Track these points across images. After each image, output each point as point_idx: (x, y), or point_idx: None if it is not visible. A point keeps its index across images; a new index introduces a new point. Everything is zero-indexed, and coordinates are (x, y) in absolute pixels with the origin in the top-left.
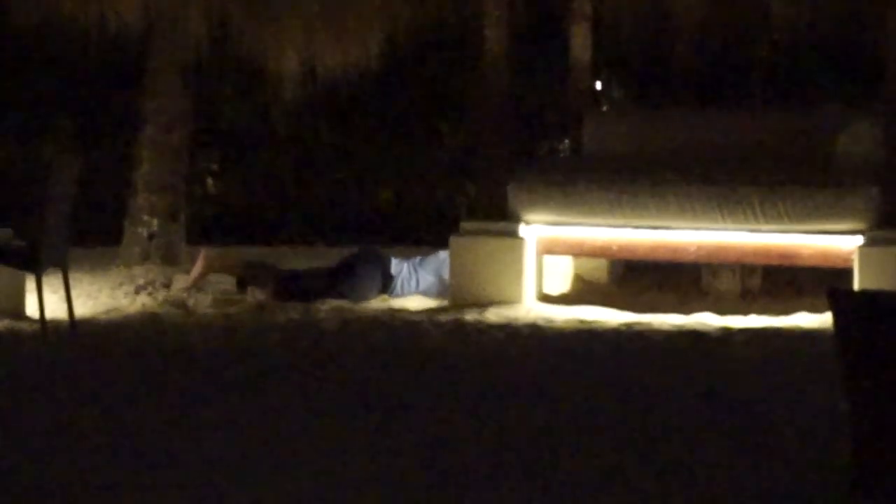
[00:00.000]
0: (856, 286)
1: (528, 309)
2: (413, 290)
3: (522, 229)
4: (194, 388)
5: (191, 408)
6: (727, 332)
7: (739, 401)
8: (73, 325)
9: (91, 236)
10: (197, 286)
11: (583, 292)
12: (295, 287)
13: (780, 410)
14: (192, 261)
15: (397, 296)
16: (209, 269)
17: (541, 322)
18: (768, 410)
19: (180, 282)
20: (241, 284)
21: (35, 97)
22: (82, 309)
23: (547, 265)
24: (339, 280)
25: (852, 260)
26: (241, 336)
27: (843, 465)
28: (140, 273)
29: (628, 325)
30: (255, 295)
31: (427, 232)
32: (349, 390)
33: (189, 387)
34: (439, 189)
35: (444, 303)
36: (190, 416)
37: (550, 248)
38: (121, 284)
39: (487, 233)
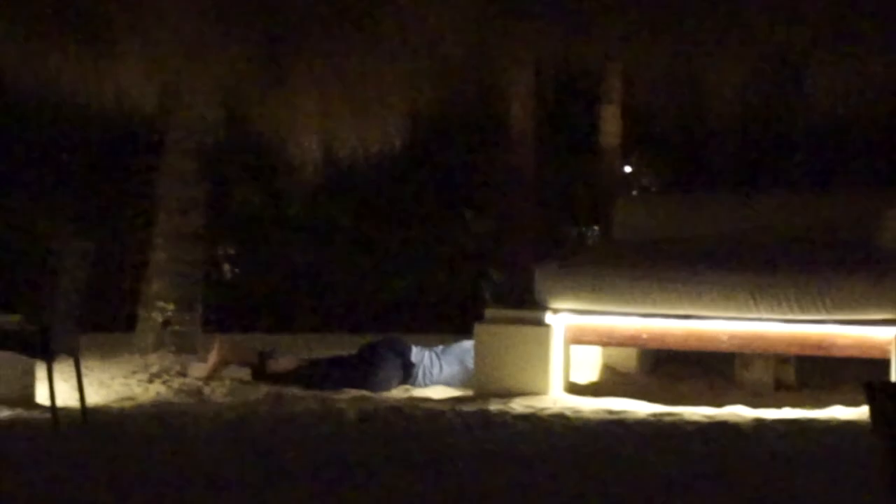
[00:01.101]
0: (894, 378)
1: (555, 399)
2: (435, 379)
3: (549, 317)
4: (208, 484)
5: None
6: (760, 425)
7: (775, 499)
8: (85, 415)
9: (103, 323)
10: (214, 377)
11: (612, 382)
12: (313, 376)
13: None
14: (207, 348)
15: (419, 385)
16: (224, 360)
17: (568, 413)
18: None
19: (196, 370)
20: (257, 375)
21: (47, 179)
22: (95, 397)
23: (575, 354)
24: (359, 369)
25: (890, 350)
26: (258, 428)
27: None
28: (154, 361)
29: (658, 417)
30: (267, 382)
31: (450, 320)
32: (366, 487)
33: (203, 483)
34: (463, 275)
35: (468, 392)
36: None
37: (578, 337)
38: (134, 372)
39: (513, 321)
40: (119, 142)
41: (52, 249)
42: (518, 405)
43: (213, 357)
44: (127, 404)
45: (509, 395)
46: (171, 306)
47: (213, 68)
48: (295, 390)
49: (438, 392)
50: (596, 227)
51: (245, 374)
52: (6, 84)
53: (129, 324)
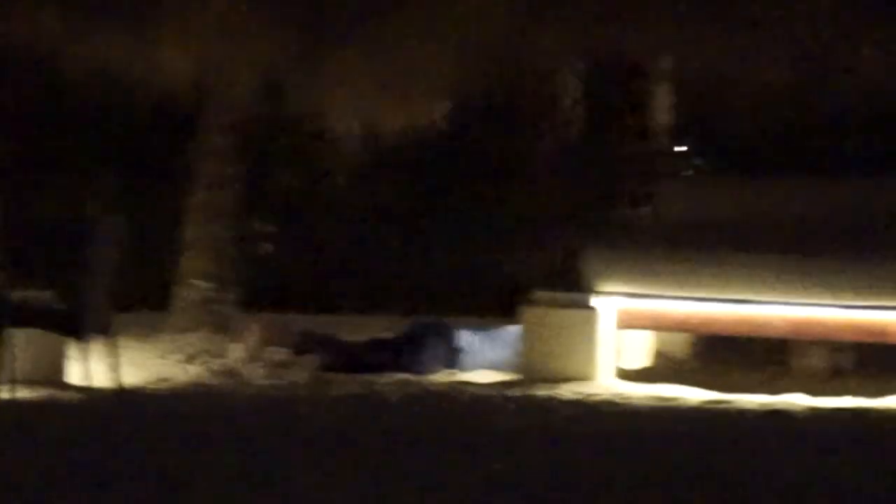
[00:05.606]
0: None
1: (604, 385)
2: (480, 363)
3: (595, 300)
4: (251, 468)
5: (248, 490)
6: (817, 414)
7: (834, 495)
8: (121, 396)
9: (137, 300)
10: (254, 359)
11: (663, 368)
12: (356, 359)
13: None
14: (245, 327)
15: (464, 369)
16: (265, 341)
17: (617, 399)
18: None
19: (234, 351)
20: (299, 355)
21: (83, 154)
22: (130, 378)
23: (626, 339)
24: (403, 352)
25: None
26: (300, 411)
27: None
28: (191, 341)
29: (711, 405)
30: (309, 365)
31: (494, 302)
32: (411, 470)
33: (245, 467)
34: (507, 257)
35: (516, 377)
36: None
37: (628, 322)
38: (170, 352)
39: (560, 304)
40: (159, 120)
41: (84, 226)
42: (565, 390)
43: (251, 338)
44: (163, 385)
45: (556, 379)
46: (206, 284)
47: (253, 50)
48: (337, 373)
49: (484, 376)
50: (646, 209)
51: (285, 353)
52: (56, 65)
53: (164, 302)
